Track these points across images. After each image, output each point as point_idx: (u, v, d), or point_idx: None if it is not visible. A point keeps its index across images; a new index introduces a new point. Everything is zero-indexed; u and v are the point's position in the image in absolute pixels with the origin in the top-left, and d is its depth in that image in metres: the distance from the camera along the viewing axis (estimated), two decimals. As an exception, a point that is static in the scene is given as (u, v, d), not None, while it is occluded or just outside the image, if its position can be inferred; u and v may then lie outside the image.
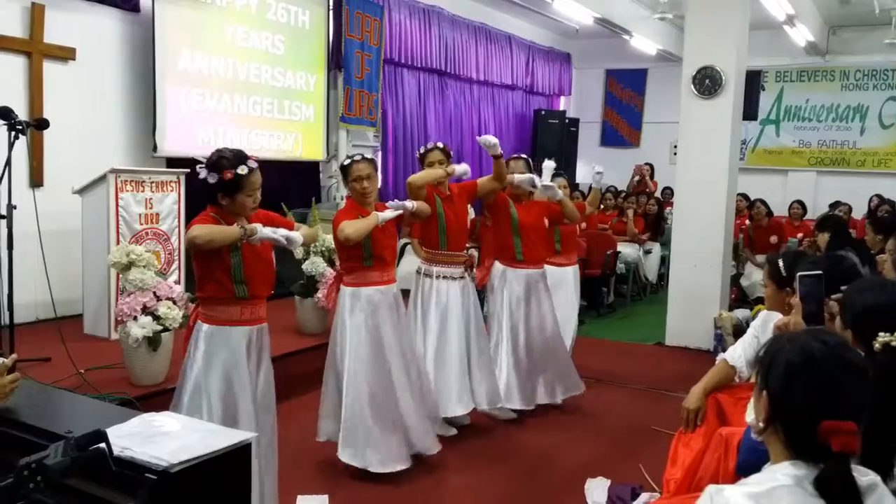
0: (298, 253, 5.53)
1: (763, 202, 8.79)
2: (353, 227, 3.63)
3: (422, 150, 4.46)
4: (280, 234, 2.99)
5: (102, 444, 1.46)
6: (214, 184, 2.92)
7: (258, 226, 2.93)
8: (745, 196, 9.77)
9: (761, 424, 1.48)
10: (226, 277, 2.99)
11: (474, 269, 4.69)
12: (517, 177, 4.69)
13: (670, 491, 2.84)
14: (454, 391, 4.35)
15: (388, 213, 3.82)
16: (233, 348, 3.03)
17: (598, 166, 5.70)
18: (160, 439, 1.77)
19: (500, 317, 4.79)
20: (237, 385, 3.02)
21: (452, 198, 4.40)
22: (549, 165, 5.01)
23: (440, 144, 4.44)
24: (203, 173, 2.95)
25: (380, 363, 3.85)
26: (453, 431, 4.49)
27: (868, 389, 1.44)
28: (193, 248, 2.97)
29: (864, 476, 1.40)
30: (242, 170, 2.92)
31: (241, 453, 1.78)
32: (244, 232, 2.91)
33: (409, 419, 3.95)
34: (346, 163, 3.88)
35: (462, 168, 4.44)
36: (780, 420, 1.44)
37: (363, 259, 3.82)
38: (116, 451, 1.67)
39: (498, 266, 4.84)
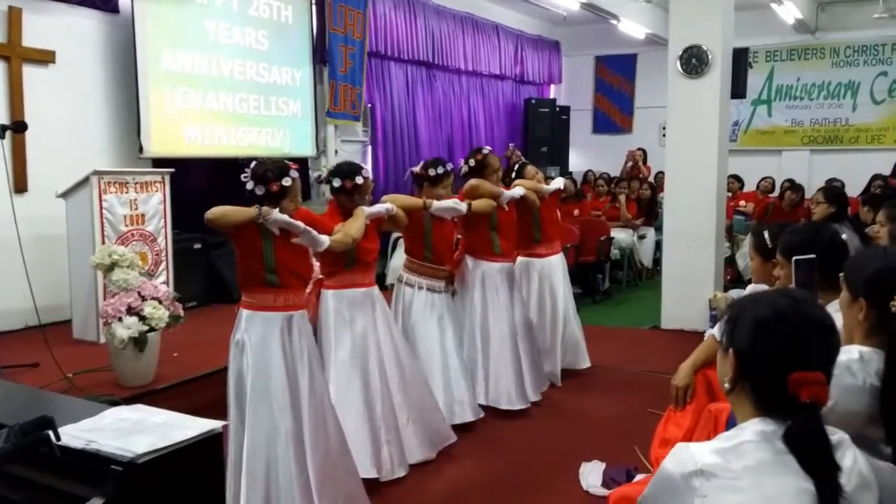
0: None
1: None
2: (355, 228, 3.56)
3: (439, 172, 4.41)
4: (300, 226, 3.13)
5: (48, 431, 1.42)
6: (262, 195, 3.11)
7: (275, 211, 3.07)
8: (737, 177, 9.75)
9: (727, 385, 1.46)
10: (258, 265, 3.16)
11: (454, 284, 4.60)
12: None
13: (661, 469, 2.80)
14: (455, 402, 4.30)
15: (375, 209, 3.78)
16: (267, 331, 3.18)
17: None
18: (129, 432, 1.73)
19: (478, 312, 4.72)
20: (273, 367, 3.16)
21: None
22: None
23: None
24: (250, 184, 3.13)
25: (366, 367, 3.76)
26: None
27: (835, 344, 1.44)
28: (210, 225, 3.11)
29: (833, 434, 1.40)
30: (287, 181, 3.13)
31: (211, 442, 1.74)
32: (258, 212, 3.05)
33: (402, 424, 3.89)
34: (361, 180, 3.69)
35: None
36: (748, 377, 1.44)
37: (346, 263, 3.74)
38: (81, 444, 1.64)
39: (473, 261, 4.76)
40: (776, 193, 9.57)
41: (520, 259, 5.26)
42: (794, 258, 2.23)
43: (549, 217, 5.31)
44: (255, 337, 3.18)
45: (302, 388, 3.23)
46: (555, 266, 5.30)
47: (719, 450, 1.37)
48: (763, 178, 9.93)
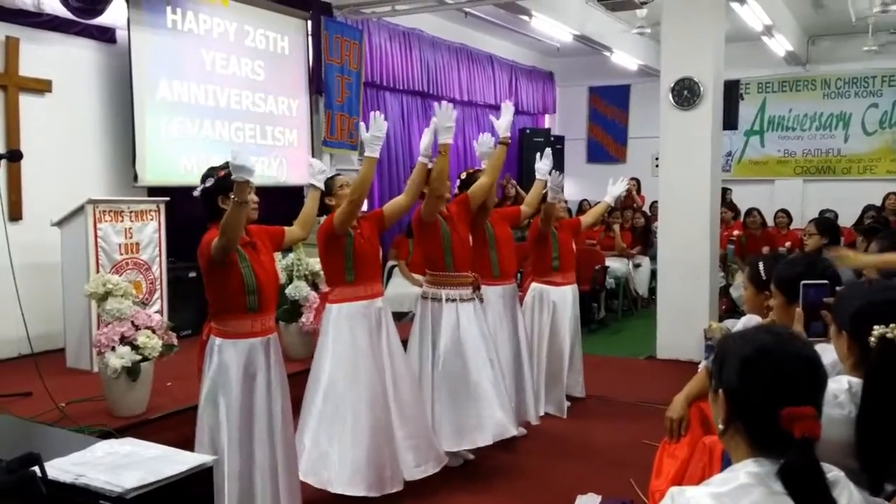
0: (282, 277, 5.49)
1: (758, 212, 8.83)
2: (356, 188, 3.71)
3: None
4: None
5: (35, 468, 1.40)
6: (212, 187, 3.15)
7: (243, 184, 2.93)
8: (731, 207, 9.79)
9: (721, 426, 1.46)
10: (239, 289, 3.12)
11: (480, 290, 4.42)
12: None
13: (656, 502, 2.78)
14: (475, 421, 4.17)
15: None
16: (246, 360, 3.16)
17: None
18: (118, 466, 1.72)
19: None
20: (255, 395, 3.16)
21: (452, 217, 4.31)
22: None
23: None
24: (200, 186, 3.20)
25: (364, 381, 3.74)
26: (459, 462, 4.32)
27: (821, 377, 1.44)
28: (223, 254, 3.05)
29: (829, 472, 1.39)
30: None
31: (202, 477, 1.73)
32: (240, 199, 2.94)
33: (397, 441, 3.87)
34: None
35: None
36: (739, 416, 1.44)
37: (346, 271, 3.77)
38: (70, 478, 1.63)
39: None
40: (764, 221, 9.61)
41: (534, 285, 5.29)
42: (803, 282, 2.24)
43: (567, 246, 5.36)
44: (234, 365, 3.14)
45: (275, 417, 3.24)
46: (567, 296, 5.33)
47: (715, 494, 1.37)
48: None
